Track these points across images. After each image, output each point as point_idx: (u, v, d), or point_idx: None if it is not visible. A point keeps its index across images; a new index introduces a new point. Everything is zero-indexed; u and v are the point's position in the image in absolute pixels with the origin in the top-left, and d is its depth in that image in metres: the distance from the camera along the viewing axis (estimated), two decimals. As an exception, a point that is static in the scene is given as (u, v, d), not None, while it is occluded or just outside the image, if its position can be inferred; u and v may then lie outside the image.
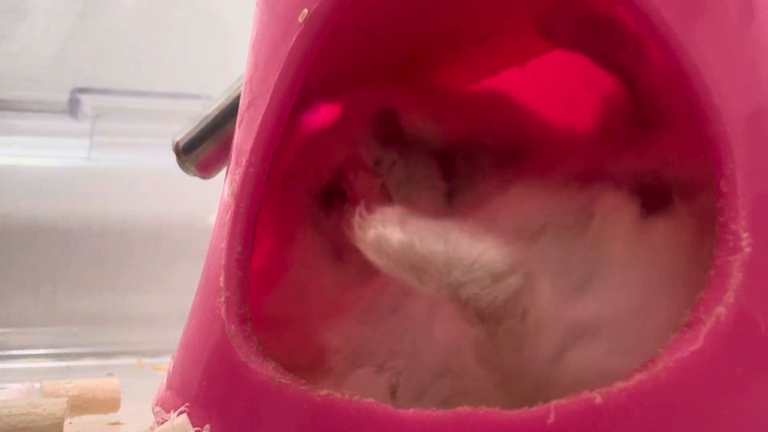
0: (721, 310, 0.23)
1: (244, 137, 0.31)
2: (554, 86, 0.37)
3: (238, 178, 0.30)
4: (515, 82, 0.38)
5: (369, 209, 0.25)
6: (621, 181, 0.30)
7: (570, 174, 0.32)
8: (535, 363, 0.24)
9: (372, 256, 0.24)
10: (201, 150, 0.40)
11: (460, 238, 0.24)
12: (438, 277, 0.23)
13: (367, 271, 0.32)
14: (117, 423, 0.38)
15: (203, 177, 0.42)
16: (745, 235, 0.23)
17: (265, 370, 0.26)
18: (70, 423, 0.37)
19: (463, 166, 0.35)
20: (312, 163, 0.35)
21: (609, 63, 0.33)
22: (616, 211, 0.29)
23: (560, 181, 0.31)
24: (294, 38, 0.29)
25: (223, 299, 0.28)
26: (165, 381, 0.33)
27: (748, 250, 0.23)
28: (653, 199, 0.29)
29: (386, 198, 0.33)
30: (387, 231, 0.24)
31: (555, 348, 0.24)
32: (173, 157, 0.41)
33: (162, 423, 0.28)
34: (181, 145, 0.40)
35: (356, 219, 0.25)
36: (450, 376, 0.26)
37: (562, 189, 0.31)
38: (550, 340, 0.24)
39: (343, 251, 0.33)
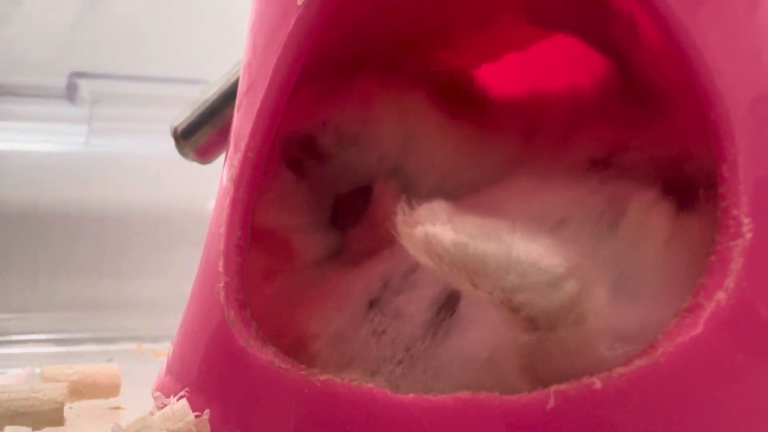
0: (721, 295, 0.23)
1: (242, 122, 0.31)
2: (554, 69, 0.37)
3: (237, 163, 0.30)
4: (518, 65, 0.38)
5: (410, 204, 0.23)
6: (642, 174, 0.29)
7: (582, 161, 0.31)
8: (584, 374, 0.22)
9: (420, 255, 0.23)
10: (200, 135, 0.40)
11: (515, 238, 0.22)
12: (492, 281, 0.22)
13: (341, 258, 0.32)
14: (117, 408, 0.38)
15: (202, 162, 0.42)
16: (746, 220, 0.23)
17: (265, 354, 0.26)
18: (71, 408, 0.37)
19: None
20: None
21: (600, 43, 0.33)
22: (652, 209, 0.27)
23: (573, 169, 0.30)
24: (293, 21, 0.28)
25: (222, 284, 0.28)
26: (165, 366, 0.33)
27: (749, 235, 0.23)
28: (680, 192, 0.28)
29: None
30: (438, 230, 0.22)
31: (606, 357, 0.22)
32: (172, 142, 0.41)
33: (162, 408, 0.28)
34: (179, 130, 0.40)
35: (399, 215, 0.23)
36: (475, 389, 0.24)
37: (579, 179, 0.29)
38: (603, 348, 0.22)
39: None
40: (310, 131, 0.32)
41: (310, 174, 0.32)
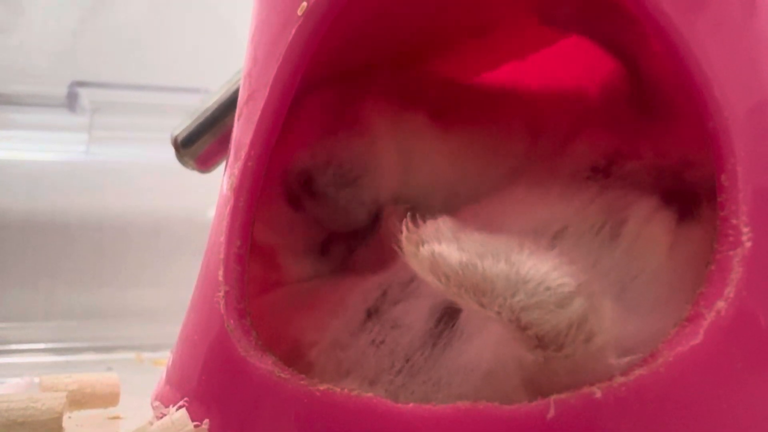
0: (721, 304, 0.23)
1: (243, 131, 0.31)
2: (555, 76, 0.37)
3: (237, 172, 0.30)
4: (515, 74, 0.38)
5: (415, 221, 0.23)
6: (643, 183, 0.29)
7: (582, 169, 0.31)
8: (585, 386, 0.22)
9: (426, 275, 0.22)
10: (200, 144, 0.40)
11: (522, 256, 0.22)
12: (500, 301, 0.21)
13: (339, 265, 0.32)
14: (116, 417, 0.38)
15: (202, 171, 0.42)
16: (745, 229, 0.23)
17: (265, 364, 0.26)
18: (69, 417, 0.37)
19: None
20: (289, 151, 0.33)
21: (612, 46, 0.33)
22: (653, 218, 0.27)
23: (573, 177, 0.30)
24: (293, 32, 0.29)
25: (222, 294, 0.28)
26: (164, 375, 0.33)
27: (748, 244, 0.23)
28: (681, 202, 0.28)
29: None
30: (444, 249, 0.22)
31: (608, 368, 0.22)
32: (172, 151, 0.41)
33: (161, 417, 0.28)
34: (179, 139, 0.40)
35: (404, 233, 0.23)
36: (475, 400, 0.23)
37: (579, 188, 0.29)
38: (608, 363, 0.22)
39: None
40: (310, 169, 0.32)
41: (305, 209, 0.32)
